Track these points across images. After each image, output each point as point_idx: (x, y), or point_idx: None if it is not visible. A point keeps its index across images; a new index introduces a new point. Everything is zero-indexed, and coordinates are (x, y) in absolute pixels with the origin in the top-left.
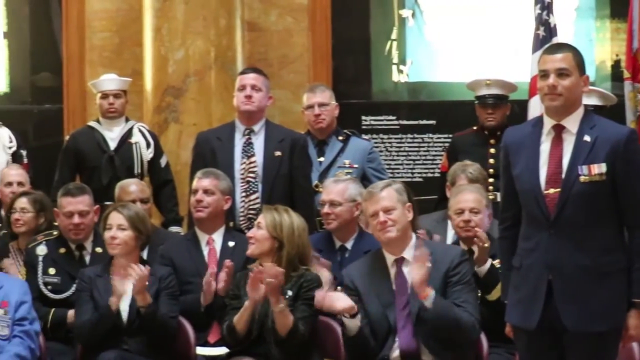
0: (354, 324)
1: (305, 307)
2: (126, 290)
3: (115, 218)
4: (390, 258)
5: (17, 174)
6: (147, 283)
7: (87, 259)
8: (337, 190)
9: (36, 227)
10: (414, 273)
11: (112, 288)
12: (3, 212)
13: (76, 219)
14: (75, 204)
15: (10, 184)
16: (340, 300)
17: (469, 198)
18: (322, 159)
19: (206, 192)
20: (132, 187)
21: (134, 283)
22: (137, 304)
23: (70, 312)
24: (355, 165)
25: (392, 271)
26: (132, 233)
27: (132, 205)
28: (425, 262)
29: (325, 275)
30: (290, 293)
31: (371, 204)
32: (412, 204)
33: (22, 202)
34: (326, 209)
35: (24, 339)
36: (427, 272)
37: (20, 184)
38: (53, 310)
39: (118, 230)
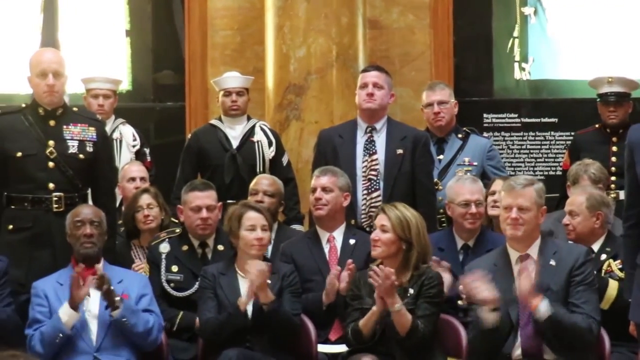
0: (492, 318)
1: (427, 306)
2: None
3: (259, 219)
4: (514, 255)
5: (138, 169)
6: (268, 281)
7: (210, 256)
8: (478, 189)
9: (162, 221)
10: (520, 284)
11: (247, 290)
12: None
13: (204, 213)
14: (203, 198)
15: (133, 179)
16: (486, 291)
17: (569, 201)
18: (441, 156)
19: (324, 189)
20: (264, 180)
21: (252, 279)
22: (259, 302)
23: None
24: (475, 163)
25: (516, 268)
26: (270, 233)
27: (260, 204)
28: (531, 274)
29: (446, 277)
30: (411, 291)
31: (508, 197)
32: None
33: (147, 199)
34: (473, 209)
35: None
36: (533, 282)
37: (142, 179)
38: (182, 313)
39: (263, 231)
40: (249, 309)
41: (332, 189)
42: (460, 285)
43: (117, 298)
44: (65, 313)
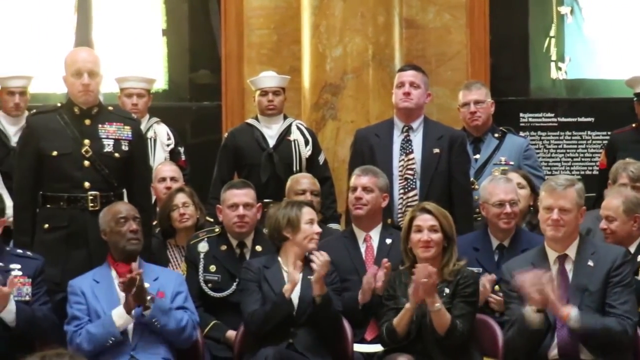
0: (539, 318)
1: (463, 305)
2: (298, 280)
3: (314, 214)
4: (552, 255)
5: (170, 169)
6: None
7: (247, 257)
8: (512, 188)
9: (197, 220)
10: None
11: (288, 277)
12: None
13: (241, 211)
14: (240, 196)
15: (163, 179)
16: (539, 291)
17: (605, 205)
18: (477, 156)
19: (365, 189)
20: (305, 179)
21: (317, 269)
22: (313, 293)
23: (229, 333)
24: (511, 163)
25: (554, 268)
26: None
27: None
28: (549, 284)
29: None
30: (447, 291)
31: (549, 198)
32: None
33: (182, 197)
34: (508, 209)
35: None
36: (555, 293)
37: (173, 179)
38: (213, 323)
39: (318, 225)
40: (294, 299)
41: (372, 189)
42: (515, 282)
43: (149, 298)
44: (120, 317)
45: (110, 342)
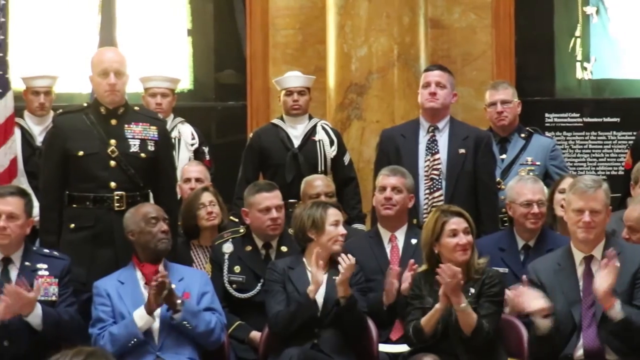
0: (545, 324)
1: (489, 304)
2: (322, 281)
3: (340, 215)
4: (579, 255)
5: (196, 170)
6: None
7: (273, 257)
8: (540, 189)
9: (222, 221)
10: (599, 282)
11: (312, 277)
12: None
13: (274, 214)
14: (271, 199)
15: (188, 180)
16: (536, 300)
17: (627, 215)
18: (504, 156)
19: (394, 189)
20: (318, 181)
21: (342, 271)
22: (337, 295)
23: (253, 334)
24: (538, 163)
25: (580, 269)
26: None
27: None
28: (614, 271)
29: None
30: (472, 291)
31: (580, 200)
32: None
33: (208, 196)
34: (536, 209)
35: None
36: (614, 281)
37: (198, 180)
38: (237, 324)
39: (343, 227)
40: (319, 300)
41: (401, 190)
42: (508, 300)
43: (179, 301)
44: (141, 318)
45: (132, 343)
